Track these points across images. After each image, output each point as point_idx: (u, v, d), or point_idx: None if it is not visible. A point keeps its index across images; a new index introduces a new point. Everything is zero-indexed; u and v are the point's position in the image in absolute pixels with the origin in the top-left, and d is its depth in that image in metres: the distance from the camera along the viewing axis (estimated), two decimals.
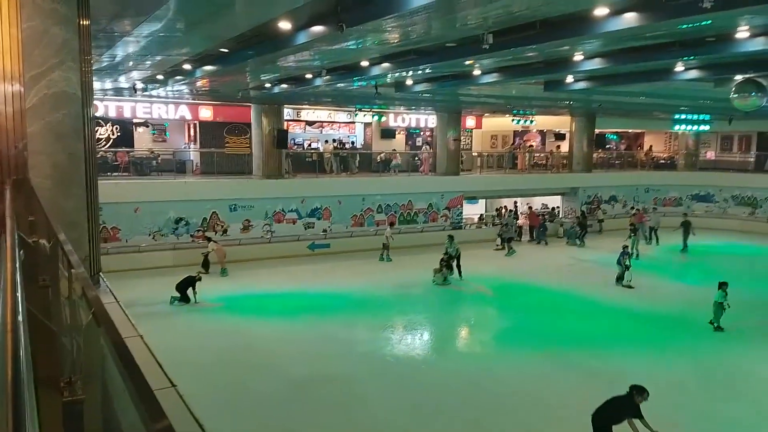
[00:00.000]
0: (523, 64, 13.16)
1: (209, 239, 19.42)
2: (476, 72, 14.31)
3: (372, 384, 11.01)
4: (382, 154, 27.39)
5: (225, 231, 21.28)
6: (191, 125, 26.37)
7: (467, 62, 12.76)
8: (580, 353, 12.50)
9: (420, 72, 14.63)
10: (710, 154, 35.28)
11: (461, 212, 26.72)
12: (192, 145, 26.36)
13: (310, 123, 28.42)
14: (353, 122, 29.16)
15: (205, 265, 18.32)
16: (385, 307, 15.98)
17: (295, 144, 27.71)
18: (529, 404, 10.23)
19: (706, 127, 30.94)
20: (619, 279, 17.87)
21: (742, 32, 8.87)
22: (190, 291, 15.37)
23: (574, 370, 11.67)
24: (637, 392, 7.37)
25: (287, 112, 25.52)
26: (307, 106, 26.66)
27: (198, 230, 20.57)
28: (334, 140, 27.73)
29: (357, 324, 14.49)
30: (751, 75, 11.16)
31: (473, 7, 7.81)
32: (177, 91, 20.01)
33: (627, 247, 18.83)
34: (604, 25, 8.25)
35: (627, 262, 17.89)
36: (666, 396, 10.50)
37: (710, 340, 13.49)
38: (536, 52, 11.40)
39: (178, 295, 15.31)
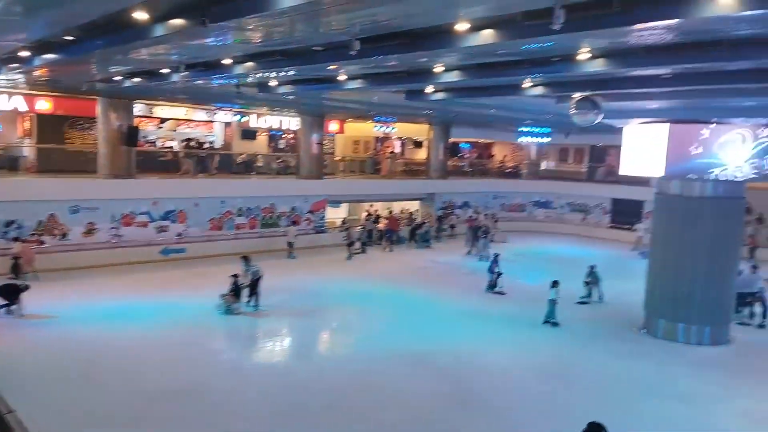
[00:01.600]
0: (386, 72, 13.46)
1: (17, 239, 17.76)
2: (341, 77, 14.40)
3: (231, 394, 10.61)
4: (243, 155, 26.66)
5: (64, 235, 19.42)
6: (27, 118, 23.78)
7: (332, 67, 12.80)
8: (435, 353, 13.04)
9: (284, 74, 14.43)
10: (550, 165, 38.74)
11: (324, 216, 26.77)
12: (27, 140, 23.78)
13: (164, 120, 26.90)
14: (212, 121, 28.07)
15: (15, 269, 16.57)
16: (246, 313, 15.51)
17: (146, 142, 26.11)
18: (390, 404, 10.46)
19: (547, 140, 33.90)
20: (492, 286, 18.54)
21: (583, 54, 9.80)
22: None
23: (430, 369, 12.15)
24: None
25: (138, 107, 23.96)
26: (161, 103, 25.17)
27: (32, 234, 18.57)
28: (190, 139, 26.48)
29: (215, 333, 13.92)
30: (589, 93, 12.35)
31: (339, 14, 7.83)
32: (10, 80, 17.91)
33: (498, 255, 19.22)
34: (463, 40, 8.68)
35: (497, 269, 18.49)
36: (508, 387, 11.34)
37: (548, 335, 14.72)
38: (400, 62, 11.72)
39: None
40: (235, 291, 15.38)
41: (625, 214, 30.98)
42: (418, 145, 35.39)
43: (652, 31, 7.76)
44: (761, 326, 15.80)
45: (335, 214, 29.42)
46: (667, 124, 13.88)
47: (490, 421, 9.96)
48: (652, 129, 14.27)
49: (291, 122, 28.42)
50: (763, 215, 28.78)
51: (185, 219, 22.20)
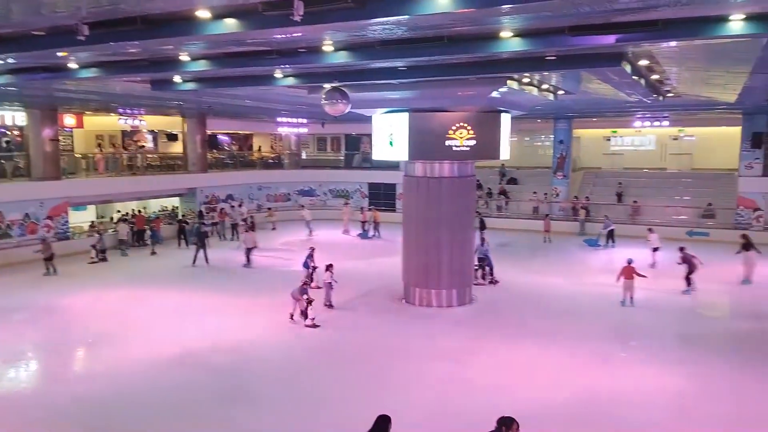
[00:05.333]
0: (126, 60, 12.45)
1: None
2: (72, 65, 12.91)
3: None
4: None
5: None
6: None
7: (60, 54, 11.40)
8: (209, 352, 12.68)
9: (1, 62, 12.47)
10: (310, 154, 39.87)
11: (67, 221, 23.92)
12: None
13: None
14: None
15: None
16: None
17: None
18: (167, 413, 9.89)
19: (305, 130, 34.81)
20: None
21: (327, 46, 10.22)
22: None
23: (204, 368, 11.77)
24: (507, 426, 6.17)
25: None
26: None
27: None
28: None
29: None
30: (337, 84, 12.91)
31: None
32: None
33: (314, 249, 18.59)
34: (206, 28, 8.41)
35: (313, 264, 17.90)
36: (284, 376, 11.54)
37: (321, 318, 15.24)
38: (140, 49, 10.93)
39: None
40: None
41: (381, 196, 33.49)
42: (172, 138, 33.49)
43: (384, 26, 8.42)
44: (493, 282, 18.45)
45: (83, 218, 26.55)
46: (407, 113, 15.21)
47: (273, 415, 9.98)
48: (395, 117, 15.51)
49: (15, 117, 24.67)
50: (491, 190, 33.40)
51: None
